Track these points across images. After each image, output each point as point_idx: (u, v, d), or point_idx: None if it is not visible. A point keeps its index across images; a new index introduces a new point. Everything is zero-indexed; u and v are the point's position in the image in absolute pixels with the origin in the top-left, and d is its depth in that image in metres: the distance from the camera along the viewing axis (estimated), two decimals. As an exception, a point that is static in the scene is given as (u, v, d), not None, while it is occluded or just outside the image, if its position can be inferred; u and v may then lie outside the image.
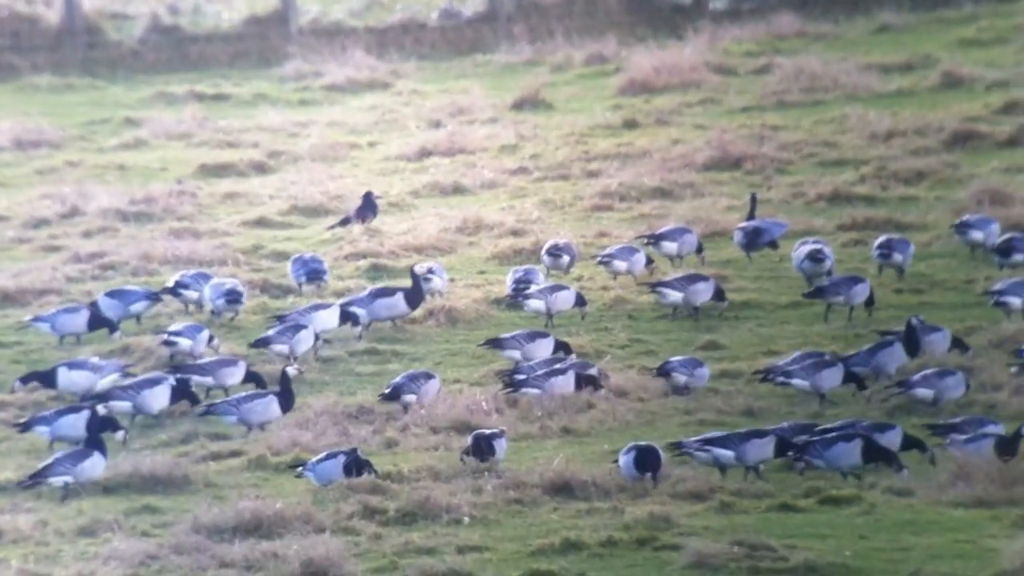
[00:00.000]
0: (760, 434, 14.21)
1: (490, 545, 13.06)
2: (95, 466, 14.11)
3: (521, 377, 15.68)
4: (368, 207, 21.33)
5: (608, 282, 19.10)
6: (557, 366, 15.83)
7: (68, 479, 14.06)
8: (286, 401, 15.30)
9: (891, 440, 14.28)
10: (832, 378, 15.62)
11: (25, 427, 15.21)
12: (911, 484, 13.98)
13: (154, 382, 15.53)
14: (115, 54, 30.30)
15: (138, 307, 18.04)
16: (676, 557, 12.79)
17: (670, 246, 19.20)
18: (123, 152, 25.57)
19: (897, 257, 18.87)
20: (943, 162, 23.13)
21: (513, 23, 30.65)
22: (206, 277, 18.51)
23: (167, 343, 16.95)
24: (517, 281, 18.20)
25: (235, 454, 14.86)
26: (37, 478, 14.05)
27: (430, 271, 18.29)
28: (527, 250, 20.05)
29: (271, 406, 15.23)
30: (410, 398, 15.48)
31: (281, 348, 16.79)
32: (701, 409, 15.63)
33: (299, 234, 21.62)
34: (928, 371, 15.79)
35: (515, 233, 20.86)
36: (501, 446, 14.44)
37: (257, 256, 20.55)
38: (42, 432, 15.12)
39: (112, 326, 17.66)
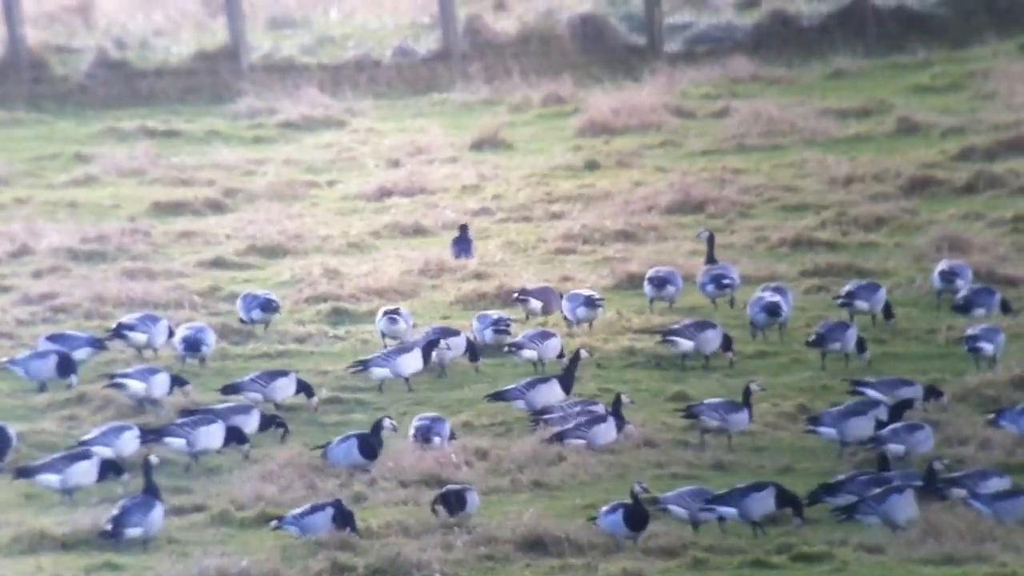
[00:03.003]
0: (759, 487, 14.02)
1: (462, 604, 12.87)
2: (160, 516, 13.87)
3: (561, 429, 15.43)
4: (461, 240, 20.92)
5: (573, 328, 18.89)
6: (596, 413, 15.57)
7: (141, 531, 13.77)
8: (373, 448, 15.16)
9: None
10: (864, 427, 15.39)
11: (25, 473, 14.60)
12: (882, 541, 13.85)
13: (209, 420, 15.29)
14: (62, 88, 29.83)
15: (80, 354, 17.33)
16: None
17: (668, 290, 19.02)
18: (74, 189, 25.12)
19: (862, 305, 18.82)
20: (902, 208, 23.15)
21: (468, 62, 30.46)
22: (153, 319, 18.05)
23: (114, 385, 16.42)
24: (496, 323, 17.92)
25: (198, 508, 14.52)
26: (117, 531, 13.67)
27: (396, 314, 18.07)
28: (491, 294, 19.82)
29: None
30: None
31: (254, 396, 16.44)
32: (672, 462, 15.45)
33: (258, 275, 21.27)
34: (897, 425, 15.69)
35: (478, 276, 20.62)
36: (473, 500, 14.20)
37: (215, 298, 20.20)
38: (49, 481, 14.58)
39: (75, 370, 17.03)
